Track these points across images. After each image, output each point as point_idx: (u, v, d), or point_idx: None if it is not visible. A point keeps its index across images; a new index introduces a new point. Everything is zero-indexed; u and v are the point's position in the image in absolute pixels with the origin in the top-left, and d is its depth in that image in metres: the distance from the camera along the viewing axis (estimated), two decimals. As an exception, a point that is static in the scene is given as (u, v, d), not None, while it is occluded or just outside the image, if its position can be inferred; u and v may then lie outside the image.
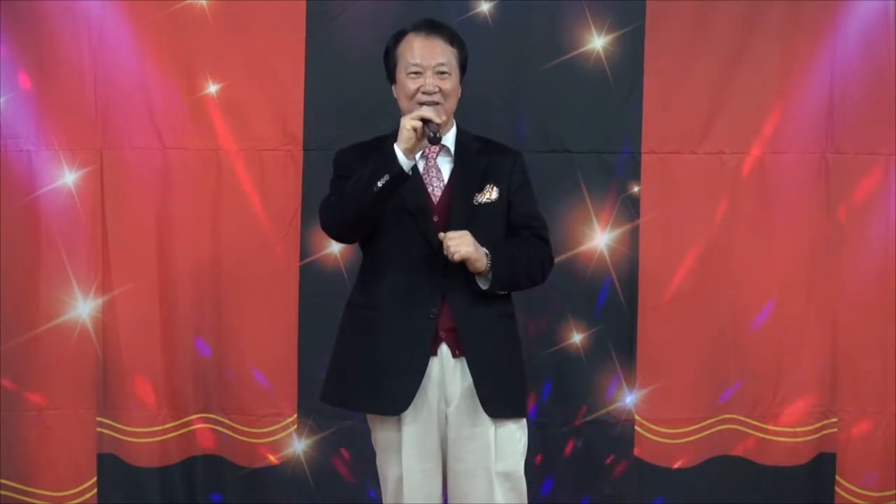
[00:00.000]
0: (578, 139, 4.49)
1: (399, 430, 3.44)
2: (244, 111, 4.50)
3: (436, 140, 3.36)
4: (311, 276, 4.52)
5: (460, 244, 3.34)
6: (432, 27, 3.51)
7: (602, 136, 4.51)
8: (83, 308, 4.51)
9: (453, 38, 3.52)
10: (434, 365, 3.44)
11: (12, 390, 4.50)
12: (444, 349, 3.45)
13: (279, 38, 4.48)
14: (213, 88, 4.49)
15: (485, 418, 3.43)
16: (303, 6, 4.48)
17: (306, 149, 4.50)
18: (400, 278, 3.44)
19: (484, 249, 3.38)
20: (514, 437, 3.48)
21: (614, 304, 4.52)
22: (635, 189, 4.52)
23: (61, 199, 4.49)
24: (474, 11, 4.46)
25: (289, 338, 4.53)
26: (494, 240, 3.44)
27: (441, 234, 3.37)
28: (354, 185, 3.35)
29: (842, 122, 4.50)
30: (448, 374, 3.45)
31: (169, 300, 4.52)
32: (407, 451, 3.43)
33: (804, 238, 4.52)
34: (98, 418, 4.53)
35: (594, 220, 4.50)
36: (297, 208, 4.50)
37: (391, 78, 3.56)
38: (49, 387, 4.51)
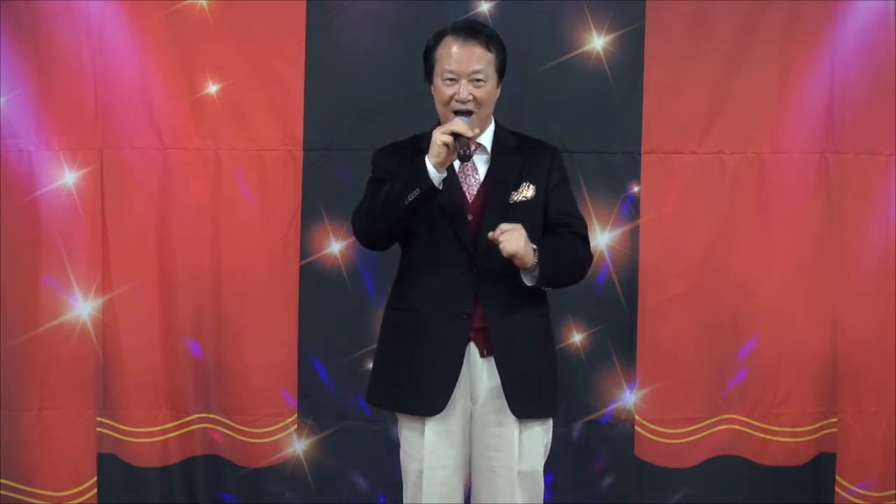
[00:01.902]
0: (578, 139, 4.48)
1: (423, 426, 3.43)
2: (244, 111, 4.50)
3: (466, 157, 3.29)
4: (311, 276, 4.52)
5: (512, 239, 3.29)
6: (470, 32, 3.44)
7: (602, 136, 4.50)
8: (83, 308, 4.51)
9: (490, 43, 3.45)
10: (462, 364, 3.43)
11: (12, 390, 4.50)
12: (472, 348, 3.44)
13: (279, 38, 4.47)
14: (213, 88, 4.49)
15: (510, 418, 3.43)
16: (303, 6, 4.47)
17: (306, 149, 4.50)
18: (434, 279, 3.43)
19: (532, 245, 3.34)
20: (537, 438, 3.48)
21: (614, 305, 4.53)
22: (635, 189, 4.52)
23: (61, 199, 4.48)
24: (474, 11, 4.46)
25: (289, 338, 4.52)
26: (531, 238, 3.38)
27: (490, 234, 3.30)
28: (385, 198, 3.33)
29: (842, 122, 4.50)
30: (475, 373, 3.44)
31: (169, 300, 4.51)
32: (429, 447, 3.43)
33: (804, 238, 4.52)
34: (98, 418, 4.53)
35: (594, 221, 4.50)
36: (297, 208, 4.50)
37: (428, 78, 3.51)
38: (49, 387, 4.50)
